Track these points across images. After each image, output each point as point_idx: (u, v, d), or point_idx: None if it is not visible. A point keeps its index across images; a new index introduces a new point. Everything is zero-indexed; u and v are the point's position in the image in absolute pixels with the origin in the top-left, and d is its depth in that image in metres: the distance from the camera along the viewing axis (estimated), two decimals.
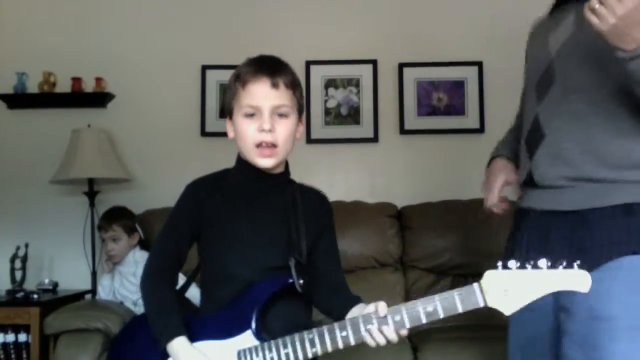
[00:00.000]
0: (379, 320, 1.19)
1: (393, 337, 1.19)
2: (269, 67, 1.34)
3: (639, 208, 1.30)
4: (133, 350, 1.42)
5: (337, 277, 1.41)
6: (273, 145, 1.33)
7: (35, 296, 2.76)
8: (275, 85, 1.32)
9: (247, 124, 1.33)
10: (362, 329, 1.20)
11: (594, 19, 1.14)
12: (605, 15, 1.12)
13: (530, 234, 1.44)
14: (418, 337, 2.45)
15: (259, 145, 1.33)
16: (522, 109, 1.60)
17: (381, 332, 1.19)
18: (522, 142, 1.50)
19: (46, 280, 3.00)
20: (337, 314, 1.29)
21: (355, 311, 1.26)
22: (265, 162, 1.34)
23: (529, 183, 1.45)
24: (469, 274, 2.72)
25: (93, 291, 2.99)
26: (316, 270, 1.39)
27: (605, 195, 1.32)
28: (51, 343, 2.54)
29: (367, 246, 2.79)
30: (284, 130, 1.34)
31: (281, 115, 1.34)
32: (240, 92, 1.34)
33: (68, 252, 3.17)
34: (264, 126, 1.31)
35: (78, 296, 2.95)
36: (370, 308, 1.21)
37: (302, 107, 1.41)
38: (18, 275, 2.94)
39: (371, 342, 1.20)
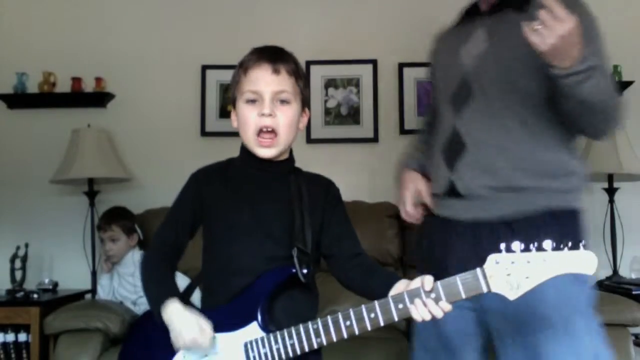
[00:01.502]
0: (363, 313, 1.19)
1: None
2: (271, 54, 1.35)
3: (561, 213, 1.40)
4: (145, 348, 1.41)
5: (365, 257, 1.40)
6: (273, 132, 1.33)
7: (35, 296, 2.76)
8: (276, 71, 1.32)
9: (249, 110, 1.33)
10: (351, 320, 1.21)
11: (535, 38, 1.21)
12: (546, 35, 1.19)
13: (457, 243, 1.46)
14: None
15: (259, 133, 1.33)
16: (432, 119, 1.67)
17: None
18: (439, 153, 1.53)
19: (46, 280, 3.00)
20: (378, 295, 1.24)
21: (400, 287, 1.21)
22: (265, 152, 1.34)
23: (450, 193, 1.48)
24: None
25: (93, 291, 2.99)
26: (339, 255, 1.39)
27: (530, 202, 1.40)
28: (51, 343, 2.54)
29: (367, 246, 2.72)
30: (285, 116, 1.33)
31: (283, 102, 1.34)
32: (242, 79, 1.35)
33: (68, 252, 3.17)
34: (264, 110, 1.31)
35: (78, 296, 2.95)
36: (417, 282, 1.18)
37: (306, 98, 1.41)
38: (18, 275, 2.94)
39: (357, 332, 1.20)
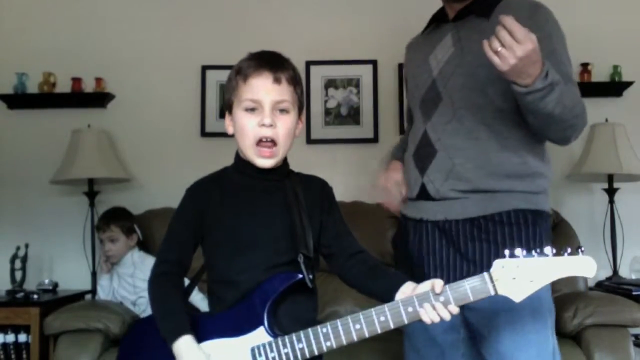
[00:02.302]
0: (365, 319, 1.21)
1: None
2: (271, 61, 1.33)
3: (528, 213, 1.45)
4: (143, 351, 1.39)
5: (367, 255, 1.40)
6: (273, 142, 1.32)
7: (35, 296, 2.76)
8: (277, 80, 1.31)
9: (248, 118, 1.32)
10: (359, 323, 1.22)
11: (495, 59, 1.23)
12: (507, 57, 1.21)
13: (431, 243, 1.53)
14: None
15: (258, 143, 1.32)
16: (409, 124, 1.73)
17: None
18: (410, 157, 1.59)
19: (46, 281, 3.00)
20: (384, 295, 1.27)
21: (407, 290, 1.24)
22: (264, 162, 1.33)
23: (422, 196, 1.54)
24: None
25: (93, 291, 2.99)
26: (339, 254, 1.39)
27: (498, 203, 1.45)
28: (51, 343, 2.54)
29: (367, 246, 2.70)
30: (285, 126, 1.33)
31: (282, 111, 1.33)
32: (241, 86, 1.32)
33: (68, 252, 3.17)
34: (265, 121, 1.30)
35: (78, 296, 2.94)
36: (426, 286, 1.20)
37: (303, 105, 1.40)
38: (18, 275, 2.94)
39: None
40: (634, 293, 2.57)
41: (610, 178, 3.03)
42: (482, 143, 1.48)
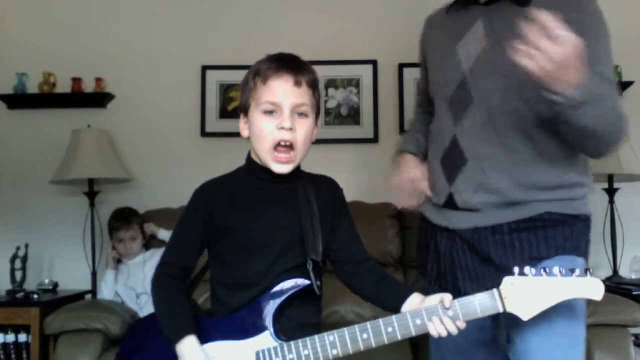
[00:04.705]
0: (373, 330, 1.21)
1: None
2: (291, 64, 1.31)
3: (564, 217, 1.36)
4: (144, 350, 1.39)
5: (373, 263, 1.40)
6: (291, 146, 1.29)
7: (35, 296, 2.76)
8: (297, 83, 1.29)
9: (266, 121, 1.29)
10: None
11: (530, 65, 1.07)
12: (542, 62, 1.06)
13: (461, 253, 1.44)
14: (418, 336, 2.45)
15: (276, 147, 1.29)
16: (429, 109, 1.59)
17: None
18: (437, 162, 1.48)
19: (46, 280, 3.00)
20: (391, 306, 1.29)
21: (414, 302, 1.26)
22: (280, 168, 1.31)
23: (449, 205, 1.44)
24: None
25: (93, 291, 2.99)
26: (347, 260, 1.39)
27: (527, 211, 1.36)
28: (51, 343, 2.54)
29: (367, 246, 2.77)
30: (303, 130, 1.30)
31: (301, 115, 1.30)
32: (260, 88, 1.29)
33: (68, 252, 3.18)
34: (284, 124, 1.27)
35: (78, 296, 2.94)
36: (435, 299, 1.22)
37: (320, 110, 1.38)
38: (18, 275, 2.94)
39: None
40: (634, 293, 2.57)
41: (610, 178, 3.03)
42: (518, 153, 1.35)
